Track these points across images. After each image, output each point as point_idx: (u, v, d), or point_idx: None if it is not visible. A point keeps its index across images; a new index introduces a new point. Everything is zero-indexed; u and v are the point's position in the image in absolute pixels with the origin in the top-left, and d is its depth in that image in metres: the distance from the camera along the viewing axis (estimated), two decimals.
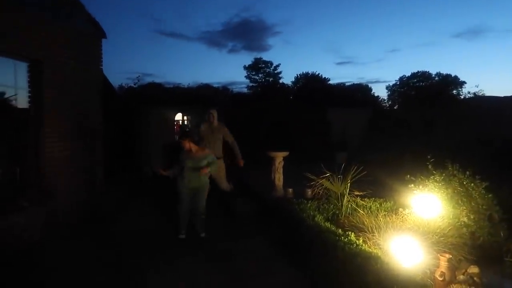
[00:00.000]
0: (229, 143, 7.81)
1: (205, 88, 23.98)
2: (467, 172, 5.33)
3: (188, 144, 5.82)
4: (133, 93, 15.88)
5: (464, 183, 5.19)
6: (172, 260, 5.08)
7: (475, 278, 4.32)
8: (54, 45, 6.44)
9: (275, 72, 37.18)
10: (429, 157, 5.57)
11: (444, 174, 5.30)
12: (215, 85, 33.53)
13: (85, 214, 6.85)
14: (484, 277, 4.37)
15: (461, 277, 4.35)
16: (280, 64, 37.68)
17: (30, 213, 5.65)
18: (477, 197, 5.11)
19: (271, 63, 37.16)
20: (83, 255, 5.25)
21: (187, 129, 13.84)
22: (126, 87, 17.82)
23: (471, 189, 5.14)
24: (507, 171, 8.36)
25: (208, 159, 5.84)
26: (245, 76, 37.89)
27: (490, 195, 5.19)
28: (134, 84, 15.96)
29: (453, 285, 3.96)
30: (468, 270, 4.48)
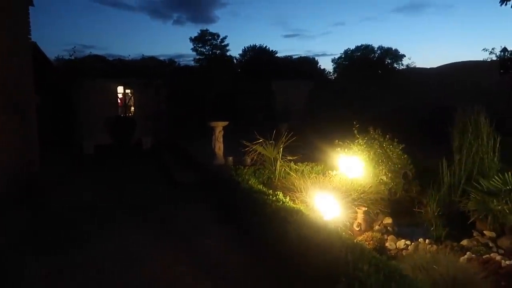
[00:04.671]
0: None
1: (149, 60, 23.31)
2: (387, 136, 5.90)
3: None
4: (72, 66, 15.15)
5: (384, 145, 5.74)
6: (112, 226, 5.23)
7: (388, 228, 4.91)
8: None
9: (222, 44, 36.62)
10: (354, 123, 6.06)
11: (366, 138, 5.81)
12: (161, 58, 32.54)
13: (20, 189, 6.66)
14: (397, 226, 4.98)
15: (377, 227, 4.93)
16: (227, 36, 36.94)
17: None
18: (394, 157, 5.70)
19: (218, 35, 36.48)
20: (13, 226, 5.23)
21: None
22: (65, 59, 16.90)
23: (389, 151, 5.71)
24: (429, 136, 9.21)
25: None
26: (192, 49, 36.99)
27: (405, 156, 5.81)
28: (70, 56, 15.19)
29: (367, 233, 4.49)
30: (383, 221, 5.08)
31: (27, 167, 7.05)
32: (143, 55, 20.62)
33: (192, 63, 34.81)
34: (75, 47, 20.79)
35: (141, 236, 4.84)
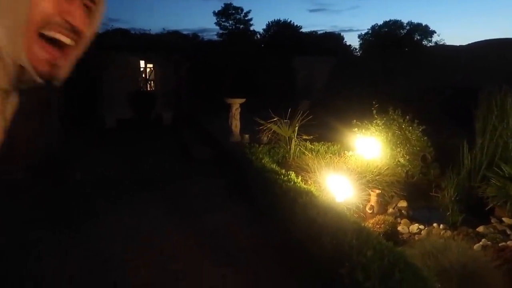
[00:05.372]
0: None
1: (171, 35, 23.25)
2: (407, 117, 5.71)
3: None
4: (94, 39, 15.29)
5: (403, 126, 5.57)
6: (129, 198, 5.35)
7: (402, 211, 4.82)
8: None
9: (246, 19, 36.14)
10: (374, 102, 5.89)
11: (385, 119, 5.65)
12: (184, 32, 32.44)
13: (40, 163, 6.76)
14: (412, 210, 4.88)
15: (391, 210, 4.84)
16: (250, 10, 36.58)
17: None
18: (414, 139, 5.53)
19: (242, 9, 35.99)
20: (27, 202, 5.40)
21: None
22: None
23: (408, 133, 5.54)
24: (453, 117, 8.88)
25: None
26: (215, 23, 36.72)
27: (425, 138, 5.63)
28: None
29: (380, 216, 4.41)
30: (397, 204, 4.98)
31: (48, 140, 7.21)
32: (163, 29, 20.54)
33: (215, 37, 34.59)
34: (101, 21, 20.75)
35: (158, 211, 4.93)
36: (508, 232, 4.11)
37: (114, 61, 14.14)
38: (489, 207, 4.49)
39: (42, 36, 0.70)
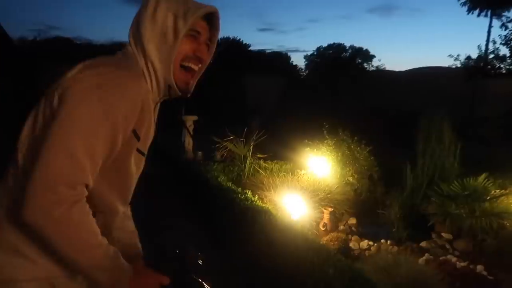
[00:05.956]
0: None
1: (117, 46, 22.64)
2: (355, 138, 6.03)
3: None
4: (35, 47, 14.50)
5: (352, 147, 5.87)
6: None
7: (353, 228, 5.05)
8: None
9: None
10: (324, 123, 6.16)
11: (335, 139, 5.92)
12: None
13: None
14: (361, 226, 5.12)
15: (342, 227, 5.05)
16: None
17: None
18: (361, 159, 5.84)
19: None
20: None
21: None
22: (29, 39, 16.18)
23: (356, 153, 5.84)
24: (396, 138, 9.48)
25: None
26: None
27: (372, 158, 5.97)
28: (35, 38, 14.60)
29: (333, 233, 4.59)
30: (348, 221, 5.21)
31: None
32: (111, 40, 20.12)
33: None
34: (40, 29, 19.88)
35: None
36: (447, 246, 4.45)
37: (56, 72, 13.48)
38: (430, 223, 4.83)
39: (181, 66, 1.17)
